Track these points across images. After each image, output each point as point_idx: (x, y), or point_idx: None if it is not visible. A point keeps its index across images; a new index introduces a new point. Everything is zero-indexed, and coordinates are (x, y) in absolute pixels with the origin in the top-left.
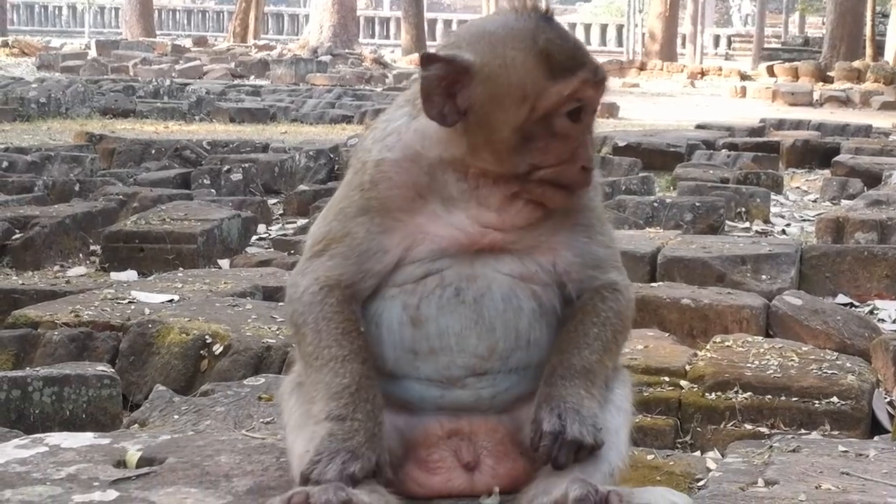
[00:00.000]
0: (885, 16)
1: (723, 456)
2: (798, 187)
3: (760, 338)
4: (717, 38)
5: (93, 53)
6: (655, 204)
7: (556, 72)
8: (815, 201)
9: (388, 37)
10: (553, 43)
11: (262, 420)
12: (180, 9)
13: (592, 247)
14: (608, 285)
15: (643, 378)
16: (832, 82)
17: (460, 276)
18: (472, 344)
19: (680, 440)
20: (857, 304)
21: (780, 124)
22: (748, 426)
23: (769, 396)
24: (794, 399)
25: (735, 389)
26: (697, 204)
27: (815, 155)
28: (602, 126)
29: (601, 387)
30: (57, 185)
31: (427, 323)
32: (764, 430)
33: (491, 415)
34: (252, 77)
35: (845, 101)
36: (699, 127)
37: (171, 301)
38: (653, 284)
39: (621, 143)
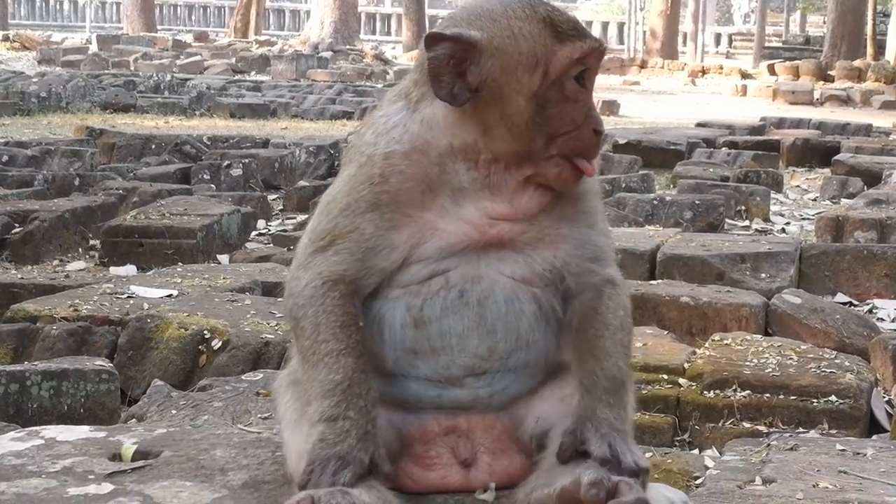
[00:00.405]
0: (886, 15)
1: (721, 454)
2: (798, 186)
3: (759, 336)
4: (718, 37)
5: (94, 48)
6: (655, 202)
7: (562, 36)
8: (814, 200)
9: (389, 33)
10: (554, 12)
11: (259, 415)
12: (181, 4)
13: (593, 236)
14: (608, 282)
15: (642, 376)
16: (833, 81)
17: (465, 278)
18: (472, 344)
19: (678, 438)
20: (856, 302)
21: (781, 123)
22: (746, 424)
23: (768, 395)
24: (792, 397)
25: (733, 388)
26: (697, 202)
27: (816, 154)
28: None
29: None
30: (57, 179)
31: (430, 324)
32: (762, 428)
33: (488, 412)
34: (253, 73)
35: (846, 100)
36: (699, 125)
37: (169, 296)
38: (652, 282)
39: (622, 141)
